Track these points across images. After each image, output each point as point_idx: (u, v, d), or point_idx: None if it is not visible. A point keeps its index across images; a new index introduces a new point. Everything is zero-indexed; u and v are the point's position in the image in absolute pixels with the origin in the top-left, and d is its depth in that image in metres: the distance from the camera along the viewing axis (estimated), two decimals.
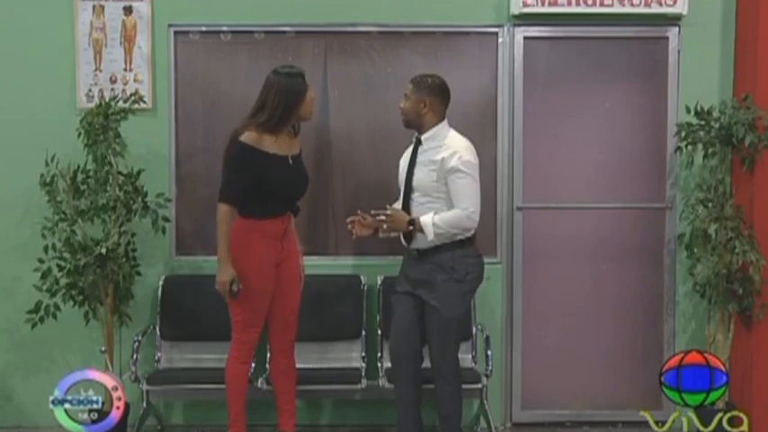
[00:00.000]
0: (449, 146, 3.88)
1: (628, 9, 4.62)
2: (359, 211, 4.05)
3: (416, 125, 3.99)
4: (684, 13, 4.63)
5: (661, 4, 4.63)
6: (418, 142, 4.00)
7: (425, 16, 4.69)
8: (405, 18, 4.69)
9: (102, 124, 4.35)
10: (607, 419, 4.76)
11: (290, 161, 3.99)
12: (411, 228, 3.89)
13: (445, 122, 3.99)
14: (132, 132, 4.47)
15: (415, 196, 3.97)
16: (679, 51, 4.71)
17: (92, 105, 4.50)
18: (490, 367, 4.40)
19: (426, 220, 3.85)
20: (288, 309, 4.09)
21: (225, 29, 4.70)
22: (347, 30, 4.71)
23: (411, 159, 4.01)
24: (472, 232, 3.92)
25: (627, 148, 4.79)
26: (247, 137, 3.86)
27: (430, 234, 3.84)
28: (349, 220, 4.06)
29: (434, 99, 3.95)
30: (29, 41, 4.64)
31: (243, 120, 3.95)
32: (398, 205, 4.01)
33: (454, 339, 3.98)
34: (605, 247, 4.81)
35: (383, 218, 3.91)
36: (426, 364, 4.06)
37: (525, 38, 4.68)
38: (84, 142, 4.37)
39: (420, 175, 3.94)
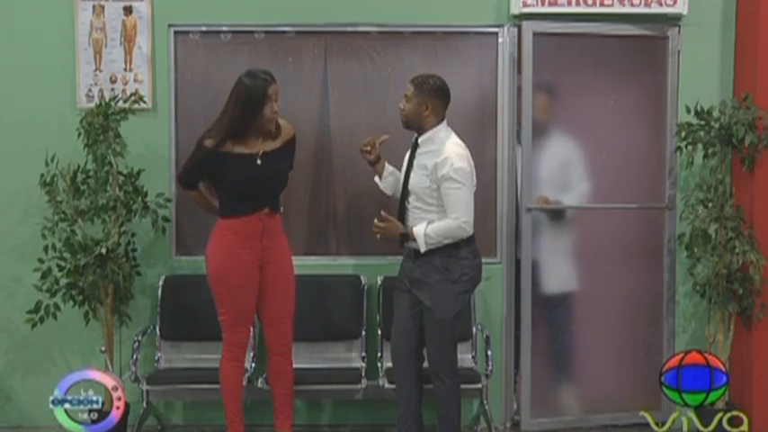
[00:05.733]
0: (442, 151, 3.85)
1: (628, 9, 4.62)
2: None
3: (416, 127, 3.97)
4: (684, 13, 4.63)
5: (661, 4, 4.63)
6: (416, 144, 3.99)
7: (425, 16, 4.68)
8: (405, 18, 4.69)
9: (102, 124, 4.34)
10: (607, 420, 4.74)
11: (258, 160, 3.94)
12: (403, 236, 3.91)
13: (444, 124, 3.97)
14: (132, 132, 4.47)
15: (411, 200, 3.96)
16: (679, 51, 4.71)
17: (92, 105, 4.49)
18: (490, 367, 4.40)
19: (419, 231, 3.85)
20: (281, 310, 4.06)
21: (225, 29, 4.70)
22: (347, 30, 4.71)
23: (409, 162, 4.01)
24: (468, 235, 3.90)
25: (626, 147, 4.78)
26: (209, 142, 3.90)
27: (422, 245, 3.84)
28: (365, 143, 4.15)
29: (436, 102, 3.92)
30: (29, 41, 4.64)
31: (210, 125, 3.97)
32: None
33: (449, 339, 3.96)
34: (605, 247, 4.80)
35: (375, 228, 3.93)
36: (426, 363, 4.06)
37: (525, 38, 4.64)
38: (84, 142, 4.37)
39: (414, 179, 3.94)
